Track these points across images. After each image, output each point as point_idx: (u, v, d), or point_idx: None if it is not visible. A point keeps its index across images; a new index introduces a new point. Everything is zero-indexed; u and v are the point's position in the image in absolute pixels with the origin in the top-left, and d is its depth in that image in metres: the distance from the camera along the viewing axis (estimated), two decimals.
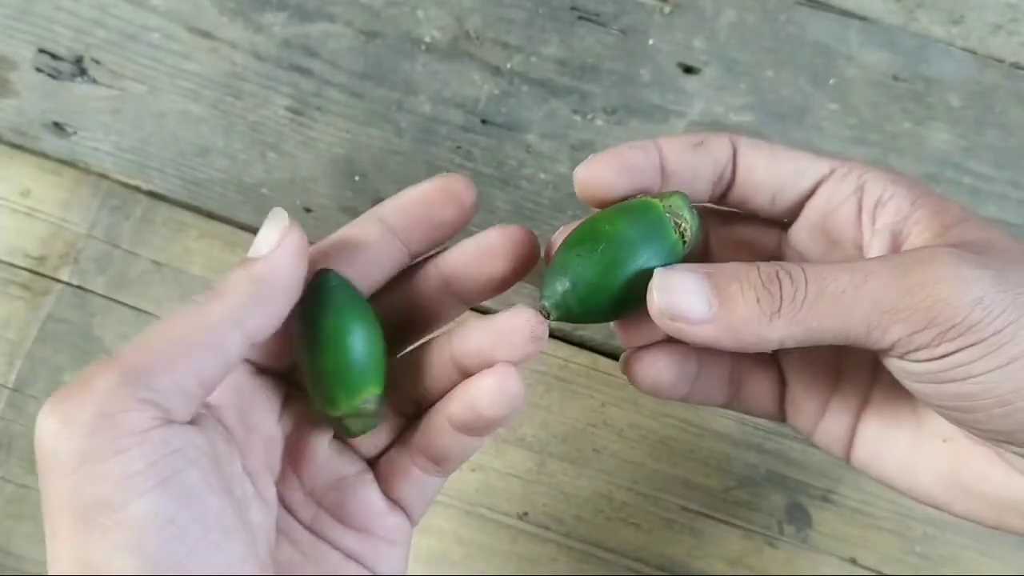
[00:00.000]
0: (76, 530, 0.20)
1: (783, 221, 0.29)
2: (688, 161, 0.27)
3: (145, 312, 0.43)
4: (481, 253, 0.27)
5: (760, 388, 0.30)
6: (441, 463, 0.28)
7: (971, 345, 0.22)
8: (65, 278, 0.44)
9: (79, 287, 0.43)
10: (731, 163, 0.27)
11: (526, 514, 0.42)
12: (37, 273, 0.44)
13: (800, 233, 0.28)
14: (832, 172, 0.26)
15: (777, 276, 0.23)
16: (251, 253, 0.24)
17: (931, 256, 0.23)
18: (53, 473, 0.20)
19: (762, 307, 0.23)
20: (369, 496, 0.28)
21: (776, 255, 0.29)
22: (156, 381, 0.21)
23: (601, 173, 0.26)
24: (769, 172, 0.27)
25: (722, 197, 0.28)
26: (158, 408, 0.21)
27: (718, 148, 0.27)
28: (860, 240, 0.27)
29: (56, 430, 0.20)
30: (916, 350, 0.22)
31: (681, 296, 0.23)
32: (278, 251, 0.24)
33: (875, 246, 0.26)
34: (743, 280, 0.23)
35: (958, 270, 0.22)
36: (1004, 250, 0.24)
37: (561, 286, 0.25)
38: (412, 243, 0.28)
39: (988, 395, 0.22)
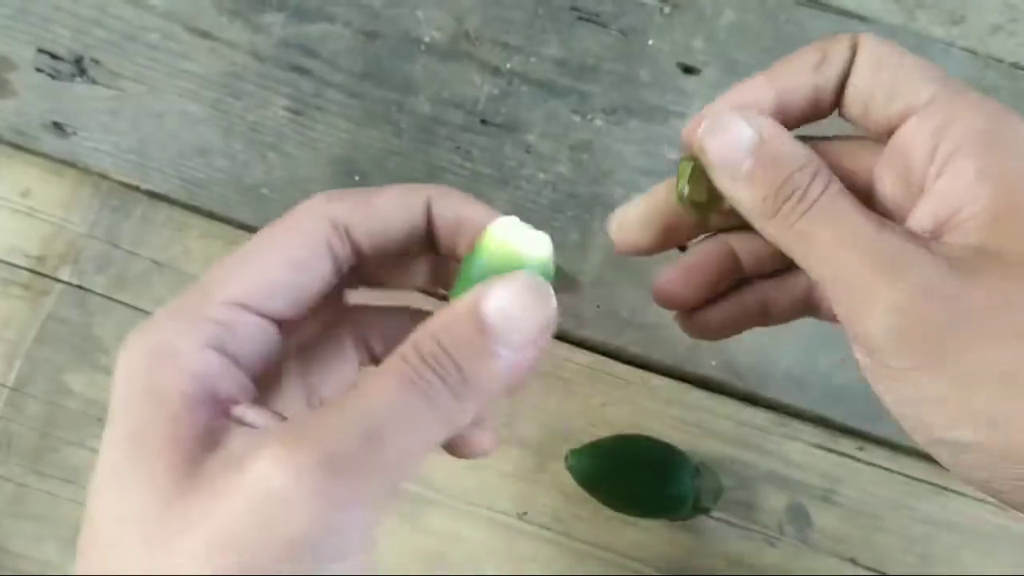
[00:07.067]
0: None
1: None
2: (806, 85, 0.25)
3: (145, 312, 0.43)
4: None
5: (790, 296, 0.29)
6: None
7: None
8: (65, 278, 0.44)
9: (79, 287, 0.43)
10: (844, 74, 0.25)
11: (525, 514, 0.42)
12: (37, 273, 0.44)
13: (883, 164, 0.25)
14: (930, 102, 0.22)
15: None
16: None
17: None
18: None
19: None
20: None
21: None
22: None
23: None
24: (870, 82, 0.24)
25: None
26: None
27: (836, 61, 0.24)
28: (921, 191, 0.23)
29: None
30: None
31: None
32: None
33: (920, 213, 0.23)
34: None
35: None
36: None
37: None
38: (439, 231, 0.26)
39: None
